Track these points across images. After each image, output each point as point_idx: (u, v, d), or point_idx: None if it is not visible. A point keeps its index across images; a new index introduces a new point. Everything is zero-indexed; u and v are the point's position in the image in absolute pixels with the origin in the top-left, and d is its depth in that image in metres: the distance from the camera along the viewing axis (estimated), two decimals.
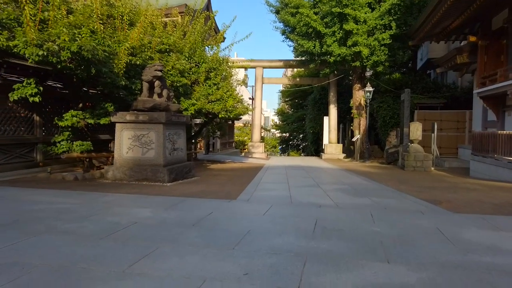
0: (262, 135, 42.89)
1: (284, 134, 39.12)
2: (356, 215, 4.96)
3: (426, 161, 13.04)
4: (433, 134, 14.20)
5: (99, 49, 6.52)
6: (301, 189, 7.55)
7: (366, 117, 19.86)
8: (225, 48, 13.47)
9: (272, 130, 46.24)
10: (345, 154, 21.66)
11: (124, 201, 5.64)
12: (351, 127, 20.69)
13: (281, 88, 33.96)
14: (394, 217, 4.88)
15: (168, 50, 10.13)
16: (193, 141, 16.71)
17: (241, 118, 26.81)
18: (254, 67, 22.65)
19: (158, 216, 4.60)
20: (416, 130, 13.34)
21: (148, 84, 8.00)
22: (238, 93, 14.91)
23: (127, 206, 5.19)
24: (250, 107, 16.22)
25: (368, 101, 18.20)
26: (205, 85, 11.96)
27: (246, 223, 4.39)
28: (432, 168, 13.27)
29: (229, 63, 12.85)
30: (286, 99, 34.44)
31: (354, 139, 19.41)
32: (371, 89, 18.07)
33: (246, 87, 28.74)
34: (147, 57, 8.69)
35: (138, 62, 7.80)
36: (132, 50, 7.83)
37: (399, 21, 17.03)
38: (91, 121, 7.89)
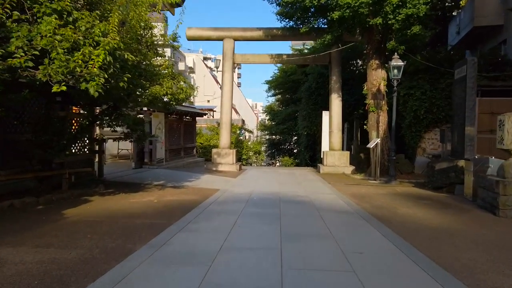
0: (246, 137, 35.53)
1: (273, 136, 31.86)
2: None
3: None
4: None
5: None
6: None
7: (387, 110, 12.77)
8: None
9: (259, 132, 38.84)
10: (353, 167, 14.49)
11: None
12: (365, 126, 13.54)
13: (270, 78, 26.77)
14: None
15: None
16: (88, 148, 9.45)
17: (203, 116, 19.59)
18: (221, 39, 15.42)
19: None
20: None
21: None
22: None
23: None
24: (190, 88, 8.98)
25: (395, 82, 11.04)
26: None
27: None
28: None
29: None
30: (275, 92, 27.15)
31: (370, 145, 12.23)
32: (400, 63, 10.91)
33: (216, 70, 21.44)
34: None
35: None
36: None
37: None
38: None
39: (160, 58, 8.03)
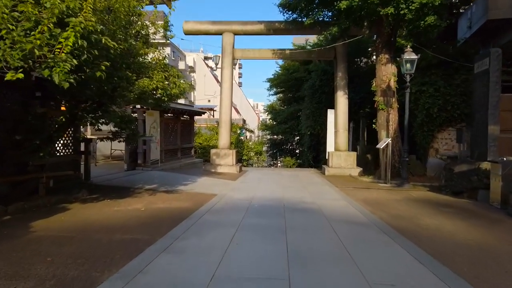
0: (246, 137, 34.62)
1: (275, 136, 30.93)
2: None
3: None
4: None
5: None
6: None
7: (397, 108, 11.89)
8: None
9: (260, 132, 37.92)
10: (360, 169, 13.61)
11: None
12: (374, 125, 12.67)
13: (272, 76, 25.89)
14: None
15: None
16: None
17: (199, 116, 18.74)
18: (220, 33, 14.57)
19: None
20: None
21: None
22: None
23: None
24: (185, 83, 8.14)
25: (408, 77, 10.17)
26: None
27: None
28: None
29: None
30: (277, 90, 26.24)
31: (380, 145, 11.36)
32: (413, 56, 10.04)
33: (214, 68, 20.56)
34: None
35: None
36: None
37: None
38: None
39: (151, 47, 7.17)
